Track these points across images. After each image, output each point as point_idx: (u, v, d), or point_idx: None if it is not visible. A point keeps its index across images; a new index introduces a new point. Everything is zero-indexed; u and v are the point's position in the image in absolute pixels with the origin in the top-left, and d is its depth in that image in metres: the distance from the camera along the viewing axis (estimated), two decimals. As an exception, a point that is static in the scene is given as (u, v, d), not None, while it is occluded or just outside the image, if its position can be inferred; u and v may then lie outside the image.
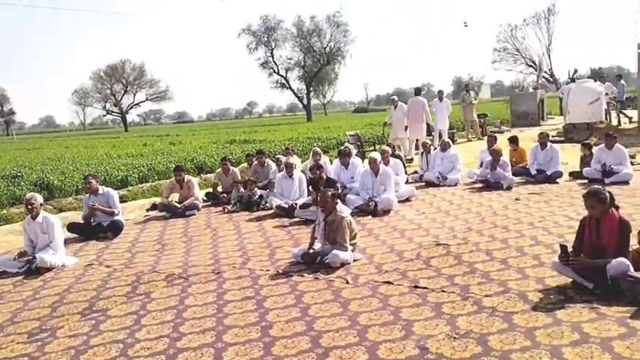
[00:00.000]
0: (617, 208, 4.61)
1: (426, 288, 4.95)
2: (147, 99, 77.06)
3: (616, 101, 20.62)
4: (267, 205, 9.38)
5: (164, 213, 9.52)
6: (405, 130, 15.35)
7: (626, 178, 9.40)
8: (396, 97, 16.25)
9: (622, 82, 22.39)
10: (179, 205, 9.56)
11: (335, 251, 5.78)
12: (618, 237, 4.47)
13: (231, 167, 10.83)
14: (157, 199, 10.76)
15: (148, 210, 10.21)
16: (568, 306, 4.24)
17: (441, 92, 18.14)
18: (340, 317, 4.43)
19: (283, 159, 10.70)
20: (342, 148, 11.44)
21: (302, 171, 10.27)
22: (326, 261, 5.77)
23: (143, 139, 31.09)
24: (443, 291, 4.83)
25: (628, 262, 4.35)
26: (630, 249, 4.64)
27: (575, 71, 31.17)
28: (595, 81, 19.74)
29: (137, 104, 77.88)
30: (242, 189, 9.88)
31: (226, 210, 9.56)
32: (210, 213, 9.64)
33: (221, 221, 8.83)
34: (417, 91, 15.92)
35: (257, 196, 9.64)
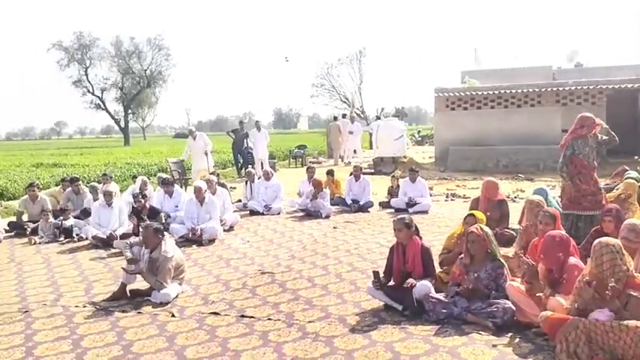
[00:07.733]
0: (419, 237, 5.22)
1: (252, 317, 5.05)
2: None
3: None
4: (83, 235, 8.74)
5: None
6: (206, 155, 15.13)
7: (426, 208, 10.54)
8: (193, 128, 16.27)
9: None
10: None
11: (163, 291, 5.58)
12: (422, 262, 5.06)
13: (39, 194, 9.92)
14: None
15: None
16: (381, 327, 4.66)
17: (258, 122, 18.76)
18: (166, 352, 4.33)
19: (100, 186, 10.12)
20: (165, 176, 11.19)
21: (134, 195, 9.50)
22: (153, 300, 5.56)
23: None
24: (269, 319, 4.98)
25: (430, 285, 4.93)
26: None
27: (382, 109, 34.32)
28: (400, 119, 21.91)
29: None
30: (52, 218, 9.10)
31: (33, 242, 8.70)
32: (13, 245, 8.70)
33: (27, 254, 8.03)
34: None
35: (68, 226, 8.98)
